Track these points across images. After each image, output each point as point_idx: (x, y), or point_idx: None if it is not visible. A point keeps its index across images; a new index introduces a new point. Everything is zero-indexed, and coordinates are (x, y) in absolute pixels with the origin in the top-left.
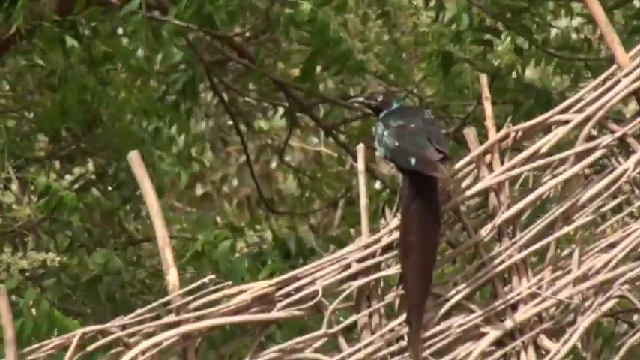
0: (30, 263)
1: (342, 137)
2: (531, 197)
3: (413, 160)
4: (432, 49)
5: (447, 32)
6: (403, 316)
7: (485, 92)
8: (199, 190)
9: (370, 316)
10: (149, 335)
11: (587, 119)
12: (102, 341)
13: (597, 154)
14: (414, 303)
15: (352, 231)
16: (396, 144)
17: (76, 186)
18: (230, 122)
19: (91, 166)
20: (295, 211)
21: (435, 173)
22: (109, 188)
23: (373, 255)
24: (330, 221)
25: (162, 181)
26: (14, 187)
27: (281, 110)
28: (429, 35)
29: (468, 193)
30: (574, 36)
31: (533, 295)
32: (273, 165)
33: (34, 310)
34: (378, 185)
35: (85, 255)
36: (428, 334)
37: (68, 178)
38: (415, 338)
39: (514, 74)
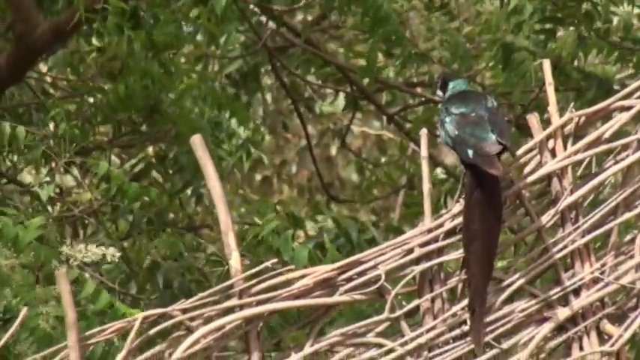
0: (89, 257)
1: (404, 124)
2: (594, 182)
3: (471, 152)
4: (494, 37)
5: (510, 20)
6: (465, 301)
7: (549, 78)
8: (259, 175)
9: (432, 300)
10: (210, 319)
11: None
12: (163, 325)
13: None
14: (477, 289)
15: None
16: (456, 133)
17: (136, 169)
18: (291, 106)
19: (150, 151)
20: (355, 198)
21: (491, 169)
22: (170, 172)
23: (436, 240)
24: (390, 207)
25: (222, 167)
26: (75, 171)
27: (342, 95)
28: (491, 23)
29: (531, 178)
30: (635, 22)
31: (595, 281)
32: (333, 150)
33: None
34: (439, 171)
35: (146, 241)
36: (490, 318)
37: (127, 165)
38: (478, 324)
39: (575, 63)
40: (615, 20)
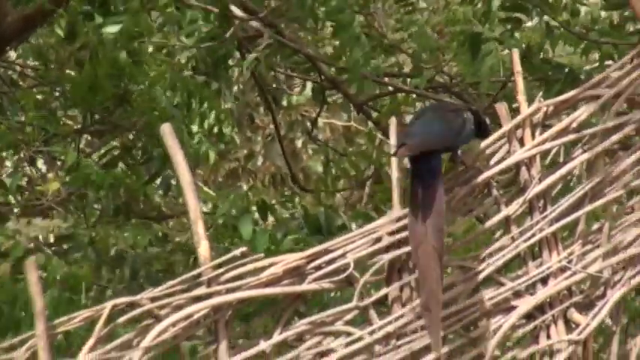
0: (35, 231)
1: (372, 113)
2: (562, 172)
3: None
4: (462, 28)
5: (476, 10)
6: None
7: (517, 67)
8: (226, 166)
9: (401, 289)
10: (179, 308)
11: (618, 95)
12: (132, 313)
13: (627, 129)
14: (432, 292)
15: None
16: None
17: (103, 160)
18: (258, 99)
19: (117, 142)
20: (321, 189)
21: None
22: (137, 163)
23: (404, 228)
24: (357, 200)
25: (191, 159)
26: (40, 163)
27: (309, 85)
28: (459, 14)
29: (500, 167)
30: (603, 14)
31: (563, 269)
32: (299, 143)
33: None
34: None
35: (113, 230)
36: (457, 307)
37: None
38: (435, 325)
39: (542, 53)
40: (583, 11)
